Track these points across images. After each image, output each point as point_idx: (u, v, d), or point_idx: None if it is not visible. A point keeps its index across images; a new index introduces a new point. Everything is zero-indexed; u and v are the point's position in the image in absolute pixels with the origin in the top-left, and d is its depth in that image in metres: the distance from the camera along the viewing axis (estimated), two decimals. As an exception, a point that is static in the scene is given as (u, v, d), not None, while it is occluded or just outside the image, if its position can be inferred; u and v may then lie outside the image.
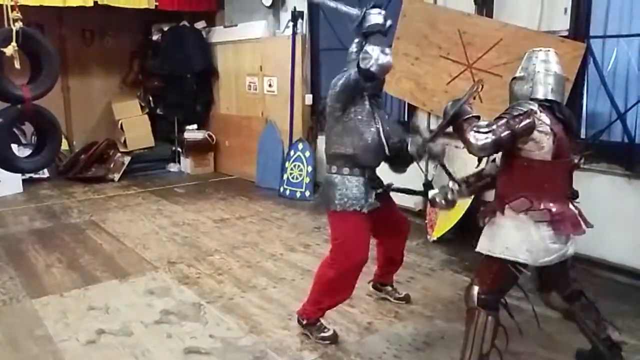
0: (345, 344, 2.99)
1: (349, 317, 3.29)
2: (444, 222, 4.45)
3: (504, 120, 2.32)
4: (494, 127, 2.31)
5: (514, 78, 2.55)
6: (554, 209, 2.34)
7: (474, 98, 2.76)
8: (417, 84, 4.90)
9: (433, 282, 3.81)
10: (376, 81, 2.89)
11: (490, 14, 4.42)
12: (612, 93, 3.87)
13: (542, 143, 2.32)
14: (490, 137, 2.29)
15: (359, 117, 2.91)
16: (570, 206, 2.45)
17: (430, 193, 2.80)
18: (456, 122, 2.46)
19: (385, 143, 2.93)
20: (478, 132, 2.32)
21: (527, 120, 2.30)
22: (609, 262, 3.86)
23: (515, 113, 2.33)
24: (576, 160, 2.52)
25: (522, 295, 3.32)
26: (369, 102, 2.95)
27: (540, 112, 2.34)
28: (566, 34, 3.96)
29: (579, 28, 3.91)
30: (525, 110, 2.33)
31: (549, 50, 2.49)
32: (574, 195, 2.55)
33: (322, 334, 3.01)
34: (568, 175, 2.48)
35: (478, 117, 2.46)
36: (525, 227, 2.37)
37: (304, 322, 3.07)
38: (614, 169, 3.82)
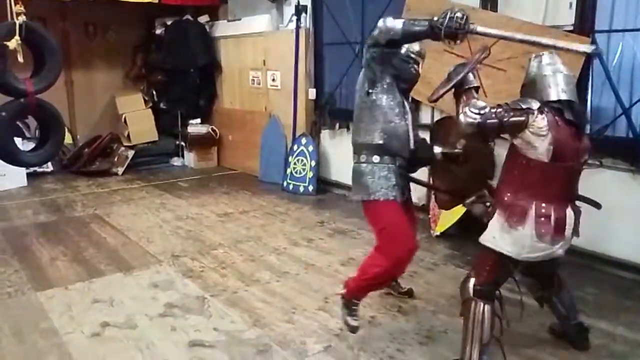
0: (349, 337, 2.99)
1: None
2: (447, 217, 4.45)
3: (497, 110, 2.41)
4: (486, 111, 2.41)
5: (523, 85, 2.58)
6: (542, 210, 2.39)
7: (480, 63, 2.75)
8: (421, 78, 4.86)
9: (436, 276, 3.81)
10: (407, 75, 2.85)
11: (494, 9, 4.40)
12: (617, 88, 3.85)
13: (535, 144, 2.36)
14: (477, 119, 2.41)
15: (390, 105, 2.79)
16: (568, 210, 2.44)
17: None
18: (458, 88, 2.56)
19: (411, 136, 2.86)
20: (470, 110, 2.43)
21: (519, 118, 2.36)
22: (613, 257, 3.86)
23: (513, 107, 2.40)
24: (577, 165, 2.47)
25: (523, 290, 3.35)
26: (400, 95, 2.83)
27: (541, 114, 2.35)
28: (571, 28, 3.94)
29: (584, 22, 3.89)
30: (523, 107, 2.37)
31: (552, 52, 2.51)
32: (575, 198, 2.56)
33: (348, 318, 2.93)
34: (569, 178, 2.45)
35: (478, 88, 2.57)
36: None
37: (344, 295, 2.98)
38: (619, 164, 3.80)
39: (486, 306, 2.55)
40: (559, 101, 2.41)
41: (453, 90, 2.62)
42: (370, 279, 2.87)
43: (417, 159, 2.98)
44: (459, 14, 2.43)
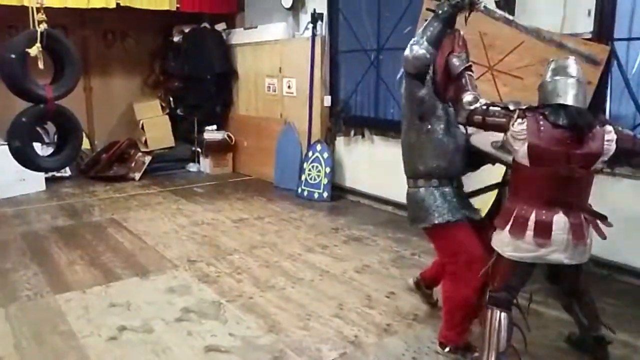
0: (364, 345, 2.99)
1: (368, 318, 3.29)
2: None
3: (484, 108, 2.54)
4: (475, 107, 2.56)
5: (538, 90, 2.59)
6: (521, 212, 2.43)
7: (463, 48, 2.75)
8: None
9: (452, 284, 3.78)
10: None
11: (511, 16, 4.38)
12: (636, 96, 3.82)
13: (515, 147, 2.43)
14: (467, 112, 2.58)
15: (440, 126, 2.70)
16: (557, 216, 2.38)
17: None
18: (451, 77, 2.67)
19: (465, 147, 2.79)
20: (463, 104, 2.60)
21: (500, 120, 2.49)
22: (632, 267, 3.80)
23: (498, 108, 2.52)
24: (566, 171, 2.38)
25: (541, 299, 3.33)
26: (443, 109, 2.73)
27: (521, 118, 2.39)
28: (590, 36, 3.91)
29: (603, 30, 3.86)
30: (507, 110, 2.47)
31: (567, 58, 2.52)
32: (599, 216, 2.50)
33: (477, 354, 2.69)
34: (557, 183, 2.39)
35: (469, 68, 2.69)
36: None
37: (451, 348, 2.84)
38: (637, 173, 3.76)
39: (502, 314, 2.53)
40: (549, 106, 2.40)
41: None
42: (460, 318, 2.77)
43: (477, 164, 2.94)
44: None
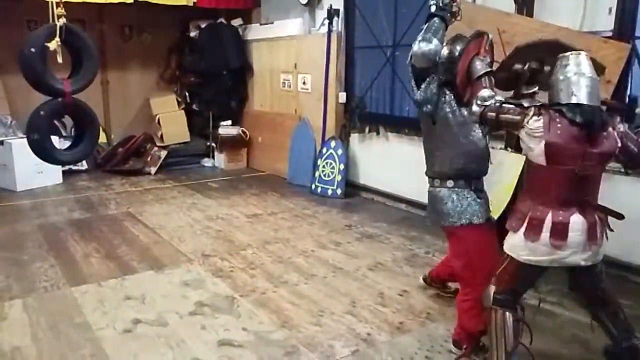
0: (377, 342, 2.99)
1: (381, 316, 3.29)
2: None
3: (498, 105, 2.47)
4: (489, 103, 2.49)
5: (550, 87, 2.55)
6: (536, 213, 2.36)
7: (489, 53, 2.76)
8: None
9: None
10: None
11: (530, 14, 4.33)
12: (657, 95, 3.76)
13: (530, 145, 2.36)
14: (480, 110, 2.51)
15: (455, 127, 2.72)
16: (574, 216, 2.33)
17: None
18: (471, 79, 2.61)
19: (489, 150, 2.80)
20: (477, 101, 2.52)
21: (514, 117, 2.41)
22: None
23: (512, 105, 2.46)
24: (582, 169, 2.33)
25: (556, 300, 3.30)
26: (461, 109, 2.72)
27: (537, 115, 2.33)
28: (610, 34, 3.85)
29: (624, 28, 3.80)
30: (521, 106, 2.43)
31: (578, 54, 2.43)
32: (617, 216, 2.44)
33: (488, 355, 2.72)
34: (572, 182, 2.34)
35: (490, 73, 2.62)
36: None
37: (464, 347, 2.84)
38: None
39: (507, 314, 2.51)
40: (567, 104, 2.34)
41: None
42: (470, 318, 2.79)
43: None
44: None
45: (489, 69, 2.63)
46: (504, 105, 2.47)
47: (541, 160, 2.35)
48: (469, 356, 2.82)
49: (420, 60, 2.66)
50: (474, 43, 2.66)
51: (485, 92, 2.54)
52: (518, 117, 2.39)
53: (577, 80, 2.34)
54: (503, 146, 4.49)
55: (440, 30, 2.68)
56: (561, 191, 2.35)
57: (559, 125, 2.30)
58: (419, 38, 2.66)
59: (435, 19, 2.71)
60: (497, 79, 2.78)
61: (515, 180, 3.89)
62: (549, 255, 2.37)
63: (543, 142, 2.31)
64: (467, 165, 2.74)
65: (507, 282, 2.53)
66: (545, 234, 2.34)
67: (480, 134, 2.75)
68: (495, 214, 4.12)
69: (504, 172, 4.17)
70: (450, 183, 2.76)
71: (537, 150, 2.34)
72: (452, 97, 2.73)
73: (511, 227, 2.47)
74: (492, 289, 2.57)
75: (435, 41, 2.63)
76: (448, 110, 2.72)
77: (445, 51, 2.68)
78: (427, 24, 2.72)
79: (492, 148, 4.48)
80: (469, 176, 2.77)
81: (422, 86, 2.72)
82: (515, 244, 2.45)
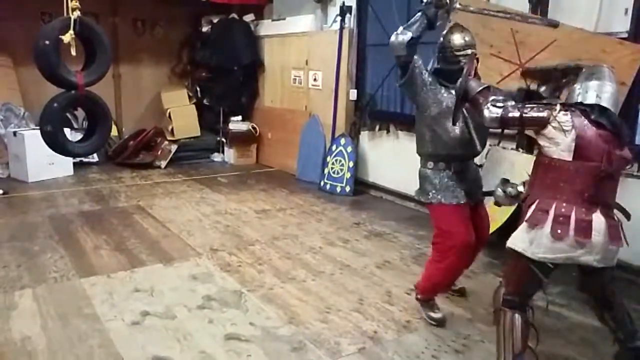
0: (383, 340, 2.99)
1: (388, 314, 3.29)
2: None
3: (519, 105, 2.45)
4: (507, 104, 2.47)
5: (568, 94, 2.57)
6: (561, 210, 2.33)
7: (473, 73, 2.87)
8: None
9: (475, 285, 3.76)
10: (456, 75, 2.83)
11: (544, 14, 4.30)
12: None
13: (557, 139, 2.34)
14: (499, 113, 2.46)
15: (434, 114, 3.00)
16: (596, 215, 2.32)
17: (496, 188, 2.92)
18: (468, 98, 2.63)
19: (475, 138, 2.98)
20: (494, 105, 2.49)
21: (539, 113, 2.39)
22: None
23: (534, 104, 2.46)
24: (605, 167, 2.33)
25: (565, 302, 3.28)
26: (451, 97, 2.92)
27: (564, 111, 2.34)
28: (625, 35, 3.82)
29: (641, 29, 3.77)
30: (544, 103, 2.43)
31: (602, 66, 2.49)
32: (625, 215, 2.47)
33: (431, 314, 3.18)
34: (596, 180, 2.33)
35: (489, 88, 2.63)
36: None
37: (419, 296, 3.25)
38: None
39: (516, 316, 2.51)
40: (590, 105, 2.36)
41: (467, 105, 2.72)
42: (432, 277, 3.14)
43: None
44: None
45: (486, 85, 2.67)
46: (526, 104, 2.46)
47: (566, 155, 2.33)
48: (423, 303, 3.22)
49: (393, 49, 2.90)
50: (467, 66, 2.77)
51: (495, 96, 2.54)
52: (544, 113, 2.37)
53: (601, 85, 2.39)
54: (514, 147, 4.47)
55: (416, 24, 2.87)
56: (586, 188, 2.33)
57: (585, 122, 2.33)
58: (397, 31, 2.90)
59: (418, 13, 2.92)
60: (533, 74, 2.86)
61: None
62: (565, 253, 2.34)
63: (571, 136, 2.30)
64: (445, 150, 3.03)
65: (515, 282, 2.52)
66: (571, 232, 2.31)
67: (458, 127, 2.95)
68: (506, 215, 4.12)
69: (515, 173, 4.15)
70: (430, 164, 3.10)
71: (563, 145, 2.33)
72: (438, 86, 2.98)
73: (531, 224, 2.39)
74: (502, 290, 2.57)
75: (407, 33, 2.84)
76: (431, 99, 3.00)
77: (440, 40, 3.03)
78: (410, 21, 2.93)
79: (504, 148, 4.49)
80: (448, 159, 3.05)
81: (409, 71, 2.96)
82: (533, 243, 2.39)
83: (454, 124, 2.86)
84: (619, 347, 2.67)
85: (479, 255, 4.25)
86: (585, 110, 2.35)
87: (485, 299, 3.49)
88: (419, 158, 3.22)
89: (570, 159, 2.33)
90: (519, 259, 2.47)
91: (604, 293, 2.63)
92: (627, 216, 2.49)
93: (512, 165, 4.24)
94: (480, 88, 2.61)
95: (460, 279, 3.66)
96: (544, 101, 2.49)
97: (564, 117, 2.33)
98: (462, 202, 3.04)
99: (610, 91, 2.38)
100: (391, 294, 3.59)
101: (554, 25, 2.99)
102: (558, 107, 2.37)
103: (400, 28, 2.89)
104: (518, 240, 2.46)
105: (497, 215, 4.05)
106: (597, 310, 2.70)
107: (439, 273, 3.11)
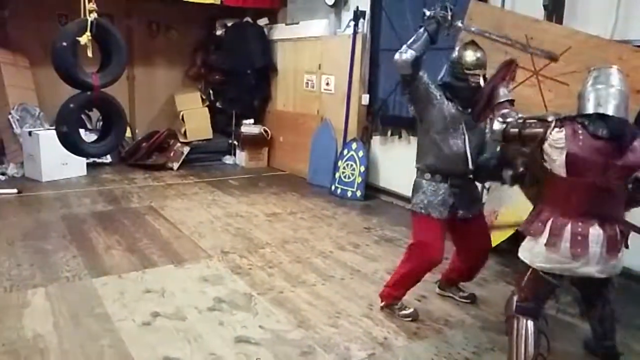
0: (393, 347, 2.98)
1: (398, 321, 3.28)
2: (500, 232, 4.35)
3: (520, 121, 2.57)
4: (510, 120, 2.60)
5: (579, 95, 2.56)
6: (557, 224, 2.39)
7: (512, 79, 2.95)
8: (480, 88, 4.80)
9: (486, 292, 3.73)
10: (464, 93, 3.02)
11: (560, 21, 4.28)
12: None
13: (553, 156, 2.40)
14: (502, 127, 2.62)
15: (438, 128, 3.05)
16: (593, 228, 2.35)
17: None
18: (491, 104, 2.75)
19: (469, 156, 3.03)
20: (498, 119, 2.65)
21: (536, 130, 2.48)
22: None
23: (534, 120, 2.54)
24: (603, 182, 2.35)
25: (576, 311, 3.25)
26: (454, 112, 3.03)
27: (558, 127, 2.37)
28: (643, 43, 3.79)
29: (659, 37, 3.74)
30: (542, 119, 2.49)
31: (610, 67, 2.46)
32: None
33: (404, 312, 3.30)
34: (593, 194, 2.36)
35: (512, 102, 2.73)
36: None
37: (382, 303, 3.38)
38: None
39: (529, 322, 2.53)
40: (588, 115, 2.36)
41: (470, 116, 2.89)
42: (399, 276, 3.30)
43: (482, 178, 3.07)
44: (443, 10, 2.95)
45: (510, 98, 2.77)
46: (526, 120, 2.56)
47: (562, 171, 2.38)
48: (389, 308, 3.34)
49: (398, 68, 2.96)
50: (501, 67, 2.86)
51: (505, 111, 2.66)
52: (540, 130, 2.46)
53: (606, 92, 2.37)
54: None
55: (418, 41, 2.92)
56: (581, 203, 2.38)
57: (580, 137, 2.34)
58: (400, 49, 2.94)
59: (420, 30, 2.96)
60: None
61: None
62: (562, 264, 2.41)
63: (564, 153, 2.34)
64: (444, 165, 3.08)
65: (528, 289, 2.56)
66: (565, 244, 2.37)
67: (460, 143, 3.02)
68: (518, 223, 4.09)
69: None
70: (427, 175, 3.15)
71: (558, 162, 2.38)
72: (445, 101, 3.02)
73: (529, 233, 2.51)
74: (515, 298, 2.59)
75: (410, 52, 2.89)
76: (435, 113, 3.04)
77: (453, 54, 3.08)
78: (412, 38, 2.96)
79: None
80: (446, 174, 3.10)
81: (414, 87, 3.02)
82: (532, 251, 2.49)
83: (478, 120, 3.00)
84: (594, 340, 2.80)
85: (490, 263, 4.25)
86: (583, 122, 2.36)
87: (497, 307, 3.47)
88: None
89: (565, 175, 2.38)
90: (530, 269, 2.53)
91: (600, 296, 2.69)
92: (638, 230, 2.47)
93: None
94: (502, 100, 2.71)
95: (471, 287, 3.67)
96: (542, 117, 2.53)
97: (556, 135, 2.37)
98: (444, 217, 3.11)
99: (615, 96, 2.35)
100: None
101: (554, 59, 2.99)
102: (553, 123, 2.41)
103: (404, 47, 2.93)
104: (523, 249, 2.57)
105: (509, 222, 4.03)
106: (583, 306, 2.81)
107: (404, 283, 3.29)
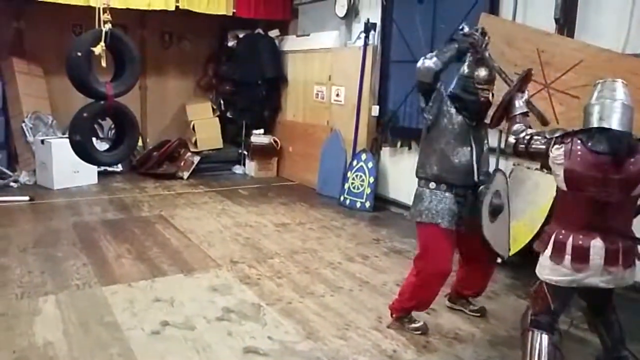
0: None
1: (407, 334, 3.25)
2: (511, 245, 4.32)
3: (529, 137, 2.64)
4: (521, 136, 2.68)
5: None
6: (559, 237, 2.45)
7: (521, 88, 2.90)
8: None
9: (496, 306, 3.70)
10: (473, 106, 3.03)
11: (571, 34, 4.27)
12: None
13: (556, 172, 2.47)
14: (513, 143, 2.71)
15: (447, 139, 3.04)
16: (594, 241, 2.37)
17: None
18: (508, 115, 2.83)
19: (475, 167, 3.04)
20: (510, 135, 2.74)
21: (541, 147, 2.55)
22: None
23: (540, 136, 2.59)
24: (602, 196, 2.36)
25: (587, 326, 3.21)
26: (462, 123, 3.04)
27: (558, 143, 2.43)
28: (655, 57, 3.77)
29: (670, 52, 3.72)
30: (546, 137, 2.54)
31: (615, 81, 2.46)
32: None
33: (414, 325, 3.26)
34: (594, 208, 2.38)
35: (526, 114, 2.80)
36: None
37: (393, 315, 3.33)
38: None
39: (544, 336, 2.52)
40: (588, 130, 2.38)
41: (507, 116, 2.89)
42: (406, 300, 3.24)
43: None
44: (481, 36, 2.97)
45: (525, 110, 2.81)
46: (533, 137, 2.63)
47: (563, 186, 2.45)
48: (399, 321, 3.29)
49: (420, 75, 2.95)
50: (521, 81, 2.86)
51: (517, 126, 2.74)
52: (544, 147, 2.53)
53: (610, 105, 2.38)
54: (539, 166, 4.41)
55: (447, 53, 2.95)
56: (582, 216, 2.43)
57: (579, 152, 2.38)
58: (426, 55, 2.95)
59: (453, 44, 2.99)
60: None
61: (550, 202, 3.82)
62: (568, 276, 2.44)
63: (563, 169, 2.40)
64: (450, 175, 3.05)
65: (542, 302, 2.57)
66: (568, 256, 2.42)
67: (468, 154, 3.04)
68: (529, 236, 4.07)
69: (539, 193, 4.11)
70: (432, 185, 3.10)
71: (561, 176, 2.44)
72: (455, 112, 3.03)
73: (538, 248, 2.56)
74: (530, 312, 2.61)
75: (434, 60, 2.90)
76: (446, 122, 3.04)
77: (464, 68, 3.06)
78: (440, 49, 3.01)
79: (528, 168, 4.44)
80: (451, 184, 3.07)
81: (432, 97, 3.01)
82: (541, 264, 2.55)
83: (493, 126, 3.04)
84: (604, 353, 2.76)
85: (500, 276, 4.22)
86: (582, 138, 2.39)
87: (507, 320, 3.45)
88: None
89: (565, 189, 2.45)
90: (544, 282, 2.55)
91: (605, 307, 2.70)
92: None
93: (537, 186, 4.19)
94: (516, 113, 2.78)
95: (481, 300, 3.64)
96: (548, 134, 2.56)
97: (556, 152, 2.44)
98: (452, 227, 3.07)
99: (619, 109, 2.35)
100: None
101: (544, 123, 3.00)
102: (553, 140, 2.48)
103: (430, 54, 2.92)
104: (538, 263, 2.59)
105: (519, 236, 4.00)
106: (588, 316, 2.80)
107: (414, 297, 3.21)
